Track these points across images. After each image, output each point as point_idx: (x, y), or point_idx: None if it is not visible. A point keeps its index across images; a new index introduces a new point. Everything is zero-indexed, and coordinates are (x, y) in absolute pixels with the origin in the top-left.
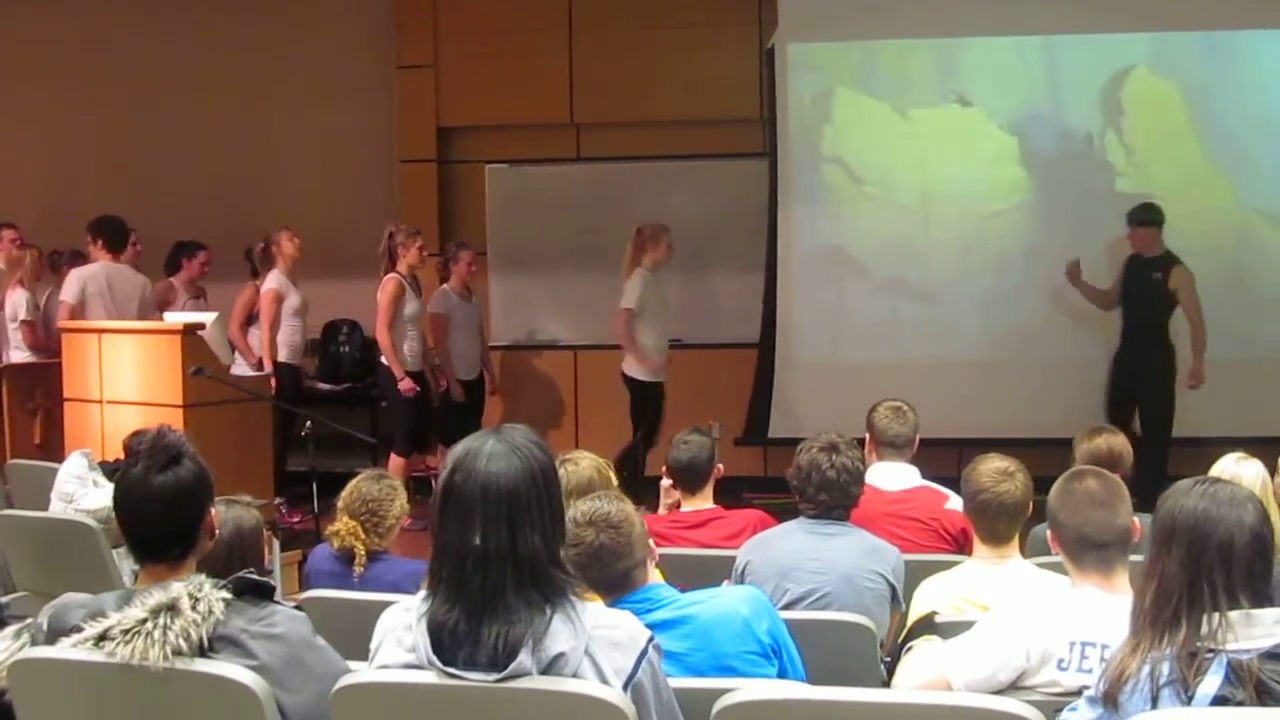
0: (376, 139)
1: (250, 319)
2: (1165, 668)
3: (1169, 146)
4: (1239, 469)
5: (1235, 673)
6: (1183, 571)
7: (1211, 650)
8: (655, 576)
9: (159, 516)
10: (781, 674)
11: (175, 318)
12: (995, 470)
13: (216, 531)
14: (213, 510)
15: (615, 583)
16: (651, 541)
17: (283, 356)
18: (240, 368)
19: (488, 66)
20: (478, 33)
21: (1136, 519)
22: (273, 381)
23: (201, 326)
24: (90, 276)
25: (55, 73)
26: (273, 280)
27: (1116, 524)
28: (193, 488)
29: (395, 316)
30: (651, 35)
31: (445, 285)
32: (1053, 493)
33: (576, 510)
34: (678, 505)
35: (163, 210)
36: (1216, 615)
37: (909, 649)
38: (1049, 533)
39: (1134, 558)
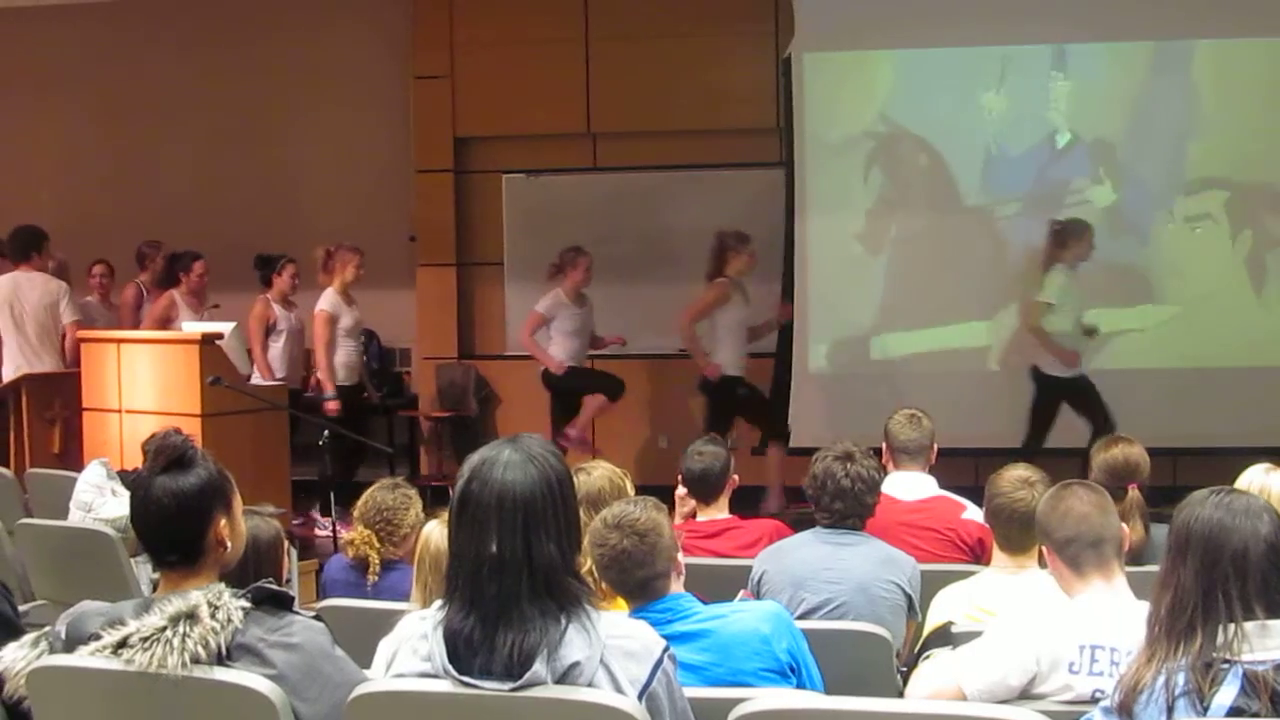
0: (393, 149)
1: (269, 332)
2: (1180, 678)
3: (1182, 153)
4: (1267, 480)
5: (1250, 683)
6: (1198, 582)
7: (1227, 661)
8: (678, 587)
9: (158, 521)
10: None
11: (194, 328)
12: (1016, 478)
13: (229, 544)
14: (223, 521)
15: (635, 588)
16: (680, 555)
17: (341, 379)
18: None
19: (504, 76)
20: (494, 43)
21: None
22: (333, 406)
23: (220, 336)
24: None
25: (70, 85)
26: (325, 302)
27: (1110, 522)
28: (195, 495)
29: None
30: (668, 45)
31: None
32: (1041, 510)
33: (609, 512)
34: (693, 515)
35: (179, 222)
36: (1232, 626)
37: (925, 659)
38: (1044, 550)
39: (1148, 568)
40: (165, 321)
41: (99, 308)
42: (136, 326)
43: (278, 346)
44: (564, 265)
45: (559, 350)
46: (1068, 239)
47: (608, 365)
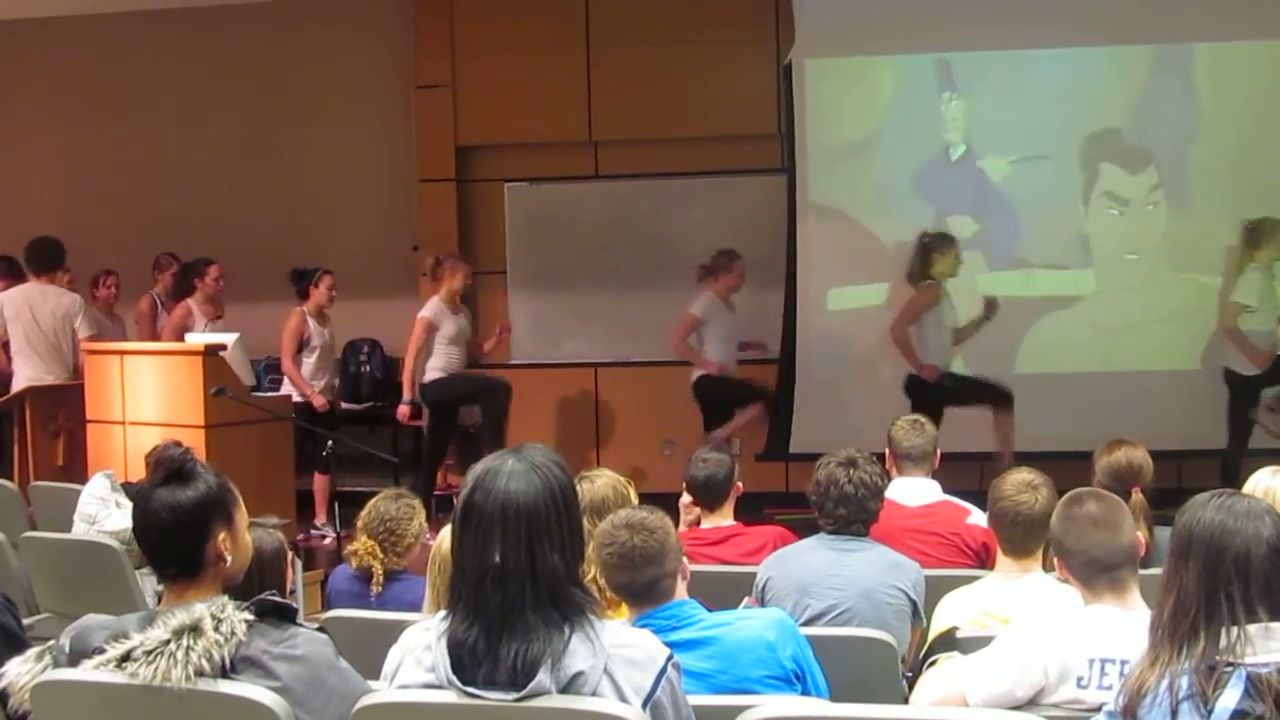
0: (395, 158)
1: (301, 347)
2: (1184, 681)
3: (1180, 166)
4: (1274, 481)
5: (1255, 686)
6: (1200, 584)
7: (1230, 664)
8: (683, 593)
9: (157, 533)
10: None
11: (196, 339)
12: (1019, 481)
13: (228, 557)
14: (223, 534)
15: (642, 589)
16: (685, 560)
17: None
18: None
19: (506, 85)
20: (495, 51)
21: (1140, 534)
22: (404, 411)
23: (223, 347)
24: (8, 300)
25: (73, 95)
26: (427, 309)
27: (1122, 543)
28: (193, 508)
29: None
30: (669, 52)
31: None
32: (1054, 520)
33: (617, 515)
34: (697, 522)
35: (181, 233)
36: (1235, 628)
37: (930, 664)
38: (1056, 561)
39: (1151, 571)
40: (184, 331)
41: (103, 319)
42: (154, 337)
43: (310, 361)
44: (716, 268)
45: (711, 355)
46: (1260, 239)
47: (610, 371)
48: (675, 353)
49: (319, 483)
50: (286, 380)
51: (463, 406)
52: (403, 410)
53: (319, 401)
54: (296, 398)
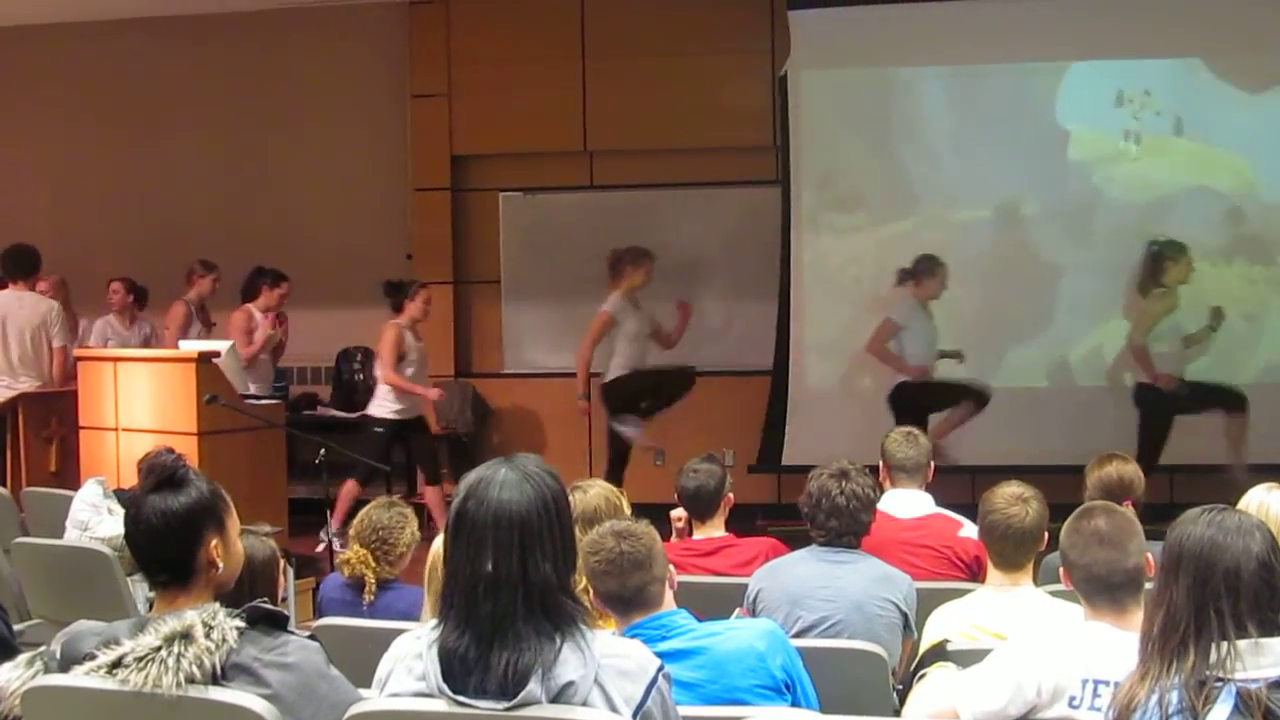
0: (390, 167)
1: (401, 358)
2: (1174, 696)
3: (1178, 169)
4: (1268, 497)
5: (1244, 702)
6: (1190, 599)
7: (1220, 679)
8: (671, 603)
9: (148, 540)
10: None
11: (191, 346)
12: (1010, 495)
13: (220, 564)
14: (215, 541)
15: (631, 594)
16: (672, 569)
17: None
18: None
19: (501, 94)
20: (491, 61)
21: (1149, 554)
22: (586, 406)
23: (217, 354)
24: None
25: (68, 102)
26: (610, 304)
27: (1126, 564)
28: (184, 515)
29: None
30: (664, 63)
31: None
32: (1063, 531)
33: (602, 525)
34: (689, 532)
35: (174, 237)
36: (1225, 644)
37: (921, 677)
38: (1061, 570)
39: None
40: (248, 334)
41: (117, 326)
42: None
43: (408, 375)
44: (917, 273)
45: (913, 360)
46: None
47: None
48: (876, 358)
49: (350, 489)
50: (381, 395)
51: (644, 402)
52: (582, 406)
53: (434, 395)
54: (386, 413)
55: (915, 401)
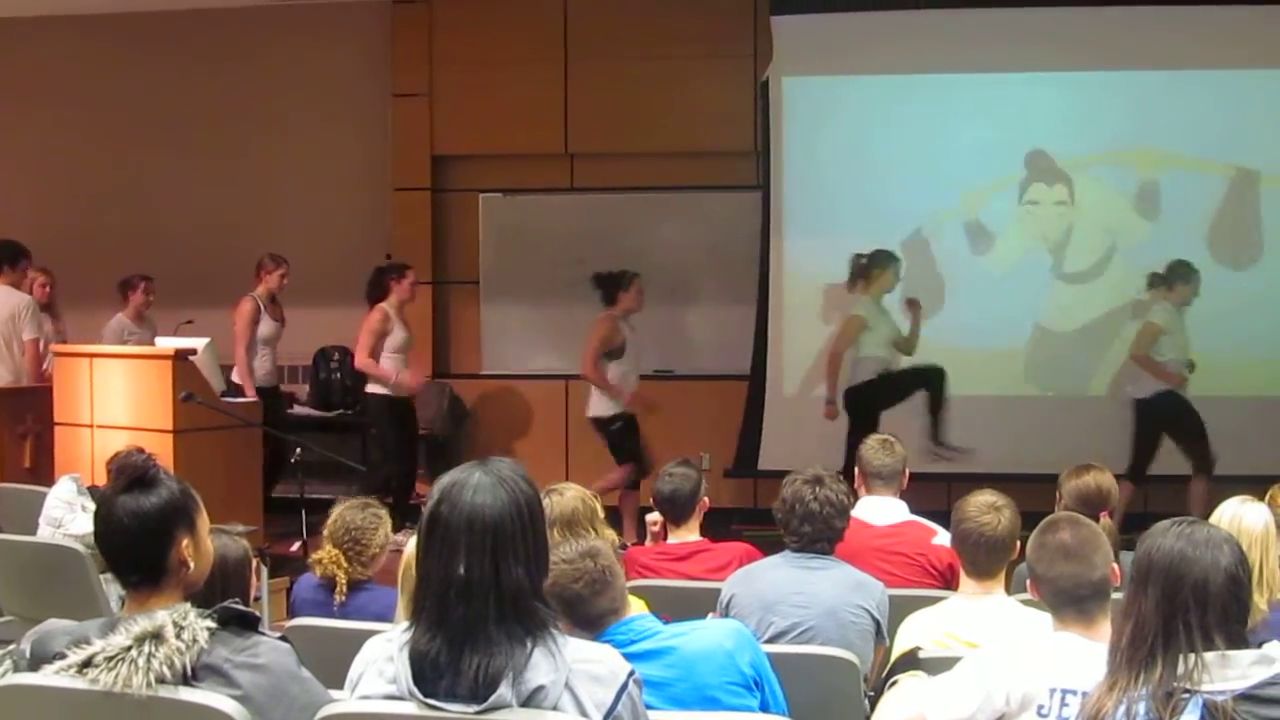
0: (371, 167)
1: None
2: (1141, 707)
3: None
4: (1240, 509)
5: (1211, 714)
6: (1158, 611)
7: (1188, 691)
8: (640, 607)
9: (119, 540)
10: (764, 707)
11: (167, 343)
12: (983, 503)
13: (191, 564)
14: (186, 541)
15: (595, 618)
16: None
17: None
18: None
19: (482, 96)
20: (473, 62)
21: (1115, 565)
22: (833, 411)
23: (193, 352)
24: None
25: (48, 99)
26: (860, 306)
27: (1092, 577)
28: (156, 515)
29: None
30: (646, 67)
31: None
32: (1029, 545)
33: (564, 552)
34: (664, 536)
35: (155, 236)
36: (1193, 656)
37: (892, 684)
38: (1029, 582)
39: (1117, 596)
40: (382, 336)
41: (130, 324)
42: (251, 341)
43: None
44: (869, 268)
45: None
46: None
47: (580, 386)
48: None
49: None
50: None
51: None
52: (829, 411)
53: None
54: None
55: (867, 403)
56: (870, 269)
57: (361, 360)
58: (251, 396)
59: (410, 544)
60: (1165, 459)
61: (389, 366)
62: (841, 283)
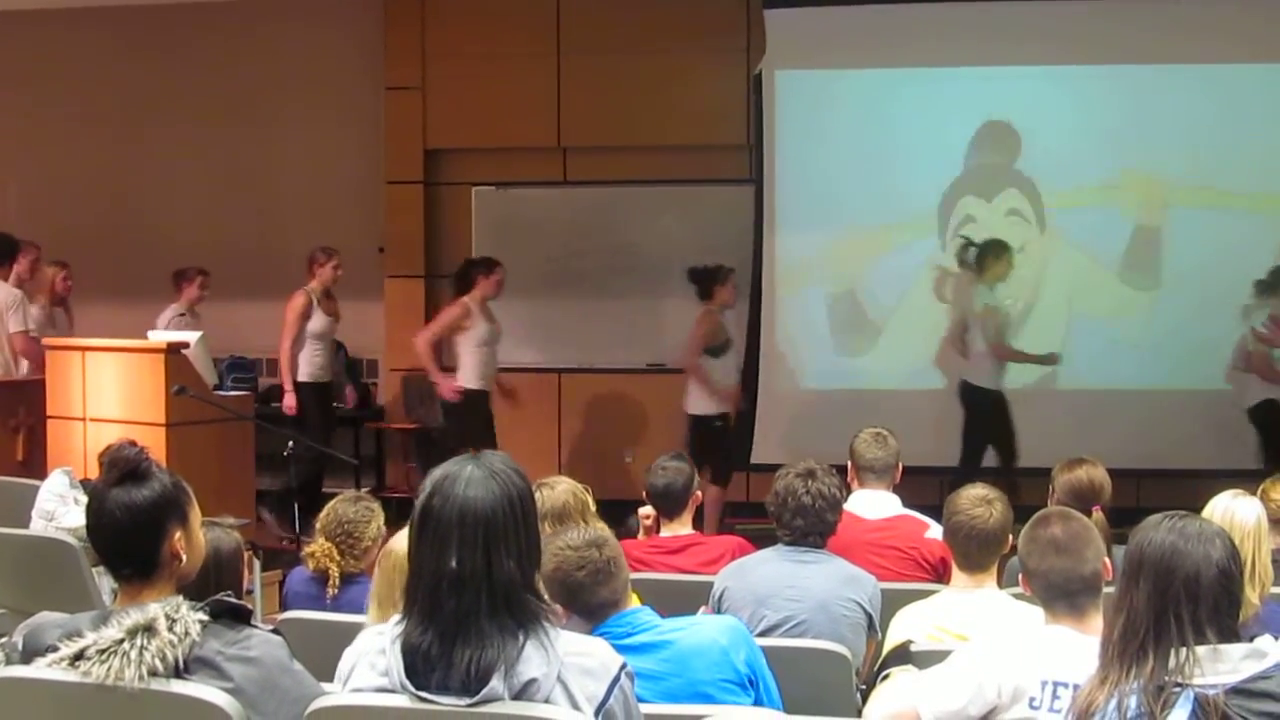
0: (363, 160)
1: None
2: (1132, 701)
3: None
4: (1232, 503)
5: (1202, 707)
6: (1150, 605)
7: (1179, 684)
8: (634, 601)
9: (111, 533)
10: (757, 705)
11: (160, 337)
12: (974, 497)
13: (184, 557)
14: (178, 534)
15: (597, 607)
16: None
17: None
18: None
19: (475, 89)
20: (466, 55)
21: (1107, 559)
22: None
23: (186, 345)
24: None
25: (41, 90)
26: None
27: (1083, 571)
28: (148, 508)
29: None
30: (639, 60)
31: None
32: (1020, 539)
33: (568, 539)
34: (656, 530)
35: (148, 229)
36: (1184, 649)
37: (885, 677)
38: (1020, 577)
39: (1110, 589)
40: (458, 330)
41: (178, 319)
42: (301, 335)
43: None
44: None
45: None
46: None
47: (572, 379)
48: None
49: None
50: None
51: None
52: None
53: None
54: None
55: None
56: (984, 257)
57: (420, 341)
58: (289, 391)
59: (395, 538)
60: (1164, 453)
61: (470, 360)
62: (837, 275)
